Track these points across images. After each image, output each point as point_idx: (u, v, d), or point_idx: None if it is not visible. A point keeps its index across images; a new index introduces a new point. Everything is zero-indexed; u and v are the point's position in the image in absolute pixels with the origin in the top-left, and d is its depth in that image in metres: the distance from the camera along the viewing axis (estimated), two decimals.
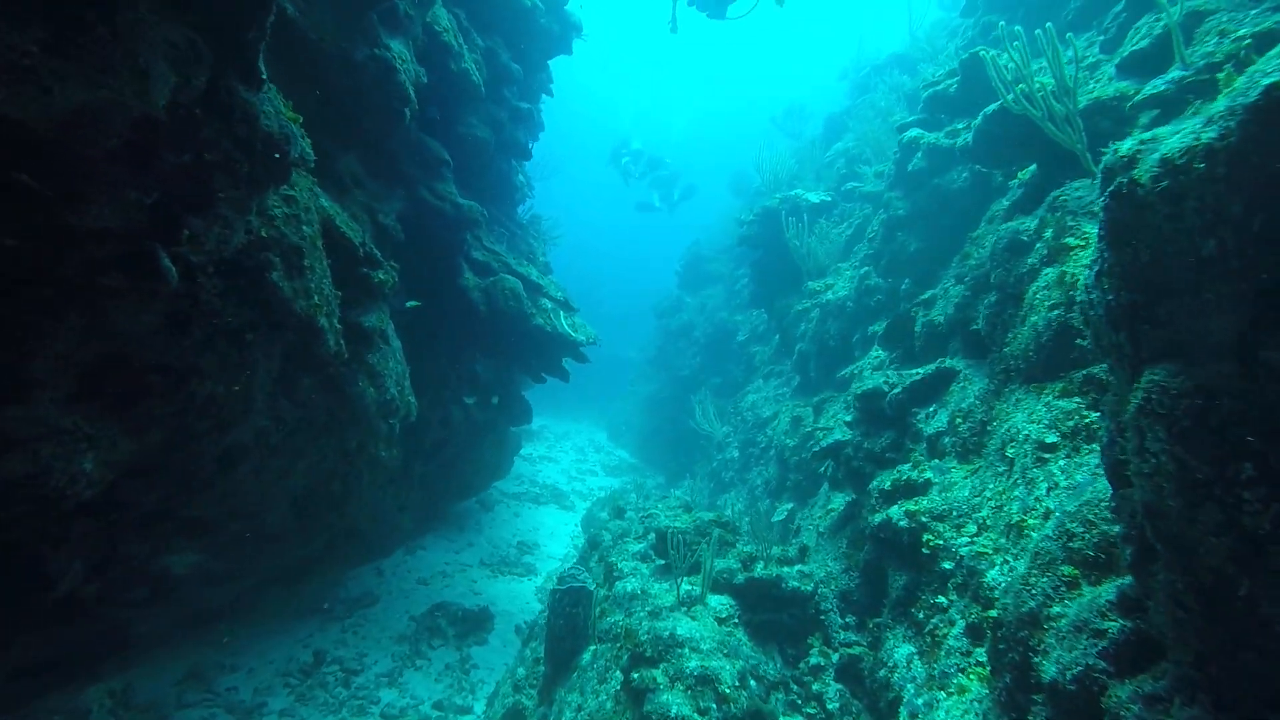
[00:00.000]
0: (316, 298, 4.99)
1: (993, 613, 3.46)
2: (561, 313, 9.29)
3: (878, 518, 5.15)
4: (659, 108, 61.24)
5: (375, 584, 10.01)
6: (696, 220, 26.93)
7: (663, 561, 7.08)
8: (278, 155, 3.67)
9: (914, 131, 7.86)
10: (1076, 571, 2.87)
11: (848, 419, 7.01)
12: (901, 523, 4.86)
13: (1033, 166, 5.86)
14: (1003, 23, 5.18)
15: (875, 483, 6.01)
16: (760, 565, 6.39)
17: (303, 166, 3.95)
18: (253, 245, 4.53)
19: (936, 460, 5.18)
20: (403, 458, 9.66)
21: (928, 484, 4.98)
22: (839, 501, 7.41)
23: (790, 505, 10.60)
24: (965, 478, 4.81)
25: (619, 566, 7.18)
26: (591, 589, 6.50)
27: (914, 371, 6.44)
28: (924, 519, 4.74)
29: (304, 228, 4.92)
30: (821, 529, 6.99)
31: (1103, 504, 2.91)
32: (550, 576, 11.72)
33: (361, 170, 7.38)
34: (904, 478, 5.12)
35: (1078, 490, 3.23)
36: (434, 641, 9.07)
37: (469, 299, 8.63)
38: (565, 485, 17.66)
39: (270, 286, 4.70)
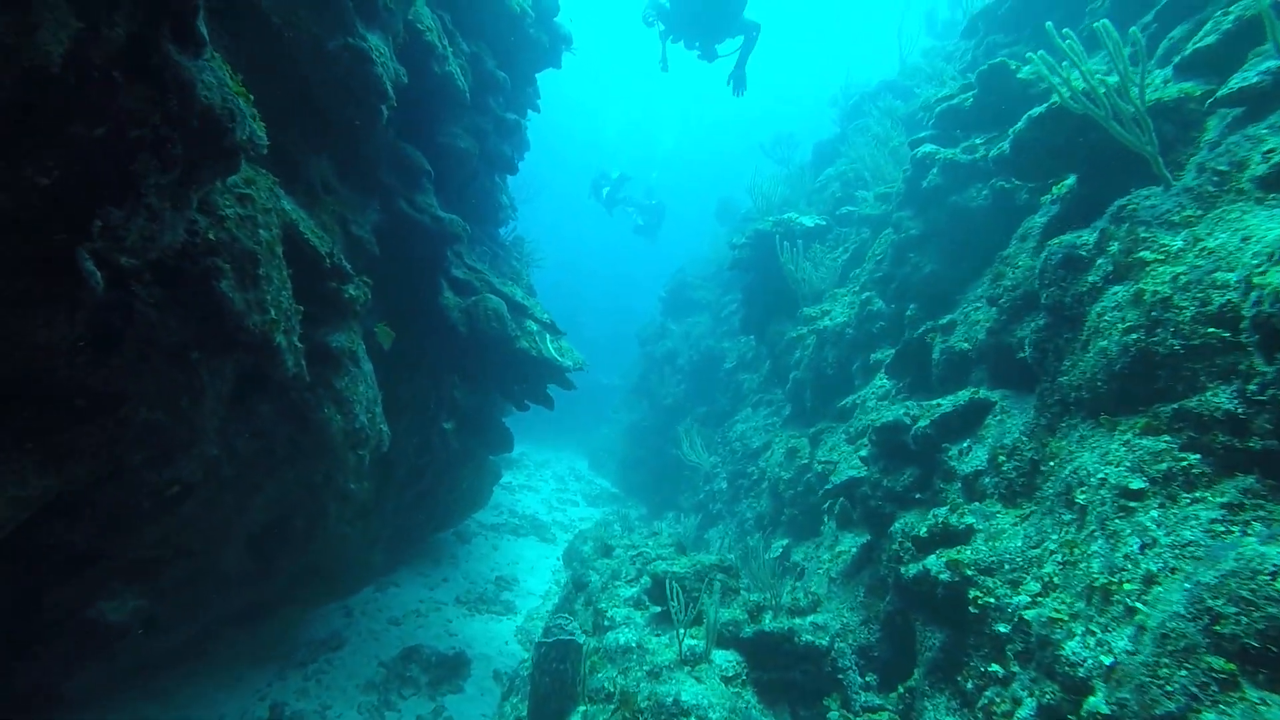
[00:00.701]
0: (274, 312, 4.28)
1: (1097, 703, 2.79)
2: (548, 336, 8.61)
3: (912, 569, 4.48)
4: (645, 125, 60.75)
5: (343, 625, 9.19)
6: (681, 246, 26.43)
7: (659, 609, 6.37)
8: (220, 136, 2.99)
9: (927, 147, 7.30)
10: (1233, 666, 2.22)
11: (863, 454, 6.36)
12: (942, 575, 4.19)
13: (1070, 179, 5.28)
14: (1047, 23, 4.60)
15: (899, 525, 5.35)
16: (769, 616, 5.70)
17: (252, 152, 3.26)
18: (198, 249, 3.83)
19: (977, 503, 4.52)
20: (375, 489, 8.90)
21: (970, 531, 4.32)
22: (849, 543, 6.75)
23: (785, 541, 9.94)
24: (1015, 524, 4.16)
25: (610, 614, 6.45)
26: (581, 642, 5.77)
27: (937, 403, 5.81)
28: (969, 572, 4.08)
29: (261, 232, 4.23)
30: (833, 574, 6.31)
31: (1262, 577, 2.27)
32: (531, 615, 10.93)
33: (334, 177, 6.70)
34: (941, 523, 4.46)
35: (1206, 554, 2.59)
36: (405, 690, 8.26)
37: (449, 319, 7.93)
38: (545, 516, 16.87)
39: (219, 297, 3.99)
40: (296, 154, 6.07)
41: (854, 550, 6.36)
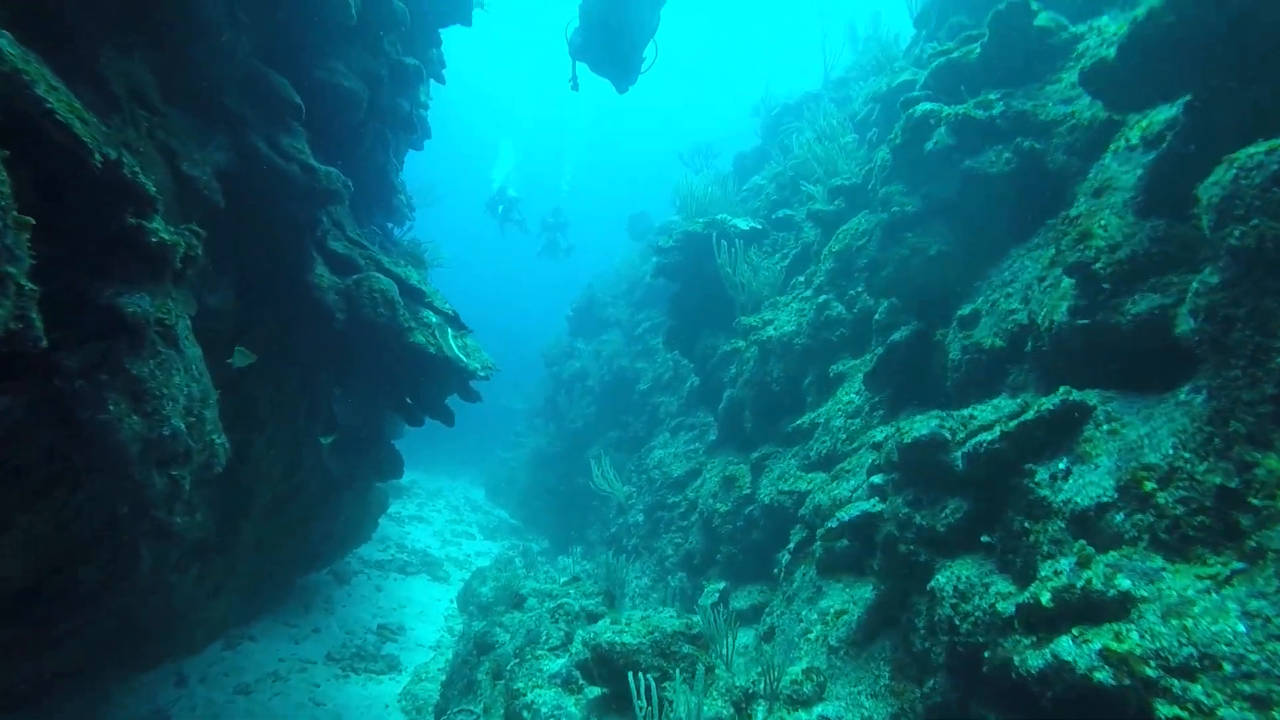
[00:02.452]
0: None
1: None
2: (449, 330, 6.67)
3: (1034, 661, 2.78)
4: (548, 142, 56.99)
5: (170, 698, 6.90)
6: (588, 263, 24.68)
7: (600, 691, 4.51)
8: None
9: (926, 105, 5.79)
10: None
11: (874, 480, 4.71)
12: (1099, 675, 2.50)
13: (1169, 110, 3.82)
14: None
15: (946, 578, 3.70)
16: (762, 709, 3.94)
17: None
18: None
19: (1115, 553, 2.89)
20: (221, 521, 6.72)
21: (1127, 599, 2.67)
22: (840, 598, 5.04)
23: (722, 584, 8.27)
24: (1210, 590, 2.54)
25: (531, 699, 4.55)
26: None
27: (969, 413, 4.22)
28: (1148, 670, 2.42)
29: None
30: (832, 641, 4.59)
31: None
32: (419, 674, 8.82)
33: (155, 91, 4.68)
34: (1079, 587, 2.79)
35: None
36: None
37: (322, 304, 5.92)
38: (438, 551, 14.67)
39: None
40: (85, 43, 4.06)
41: (858, 609, 4.66)
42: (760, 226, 10.79)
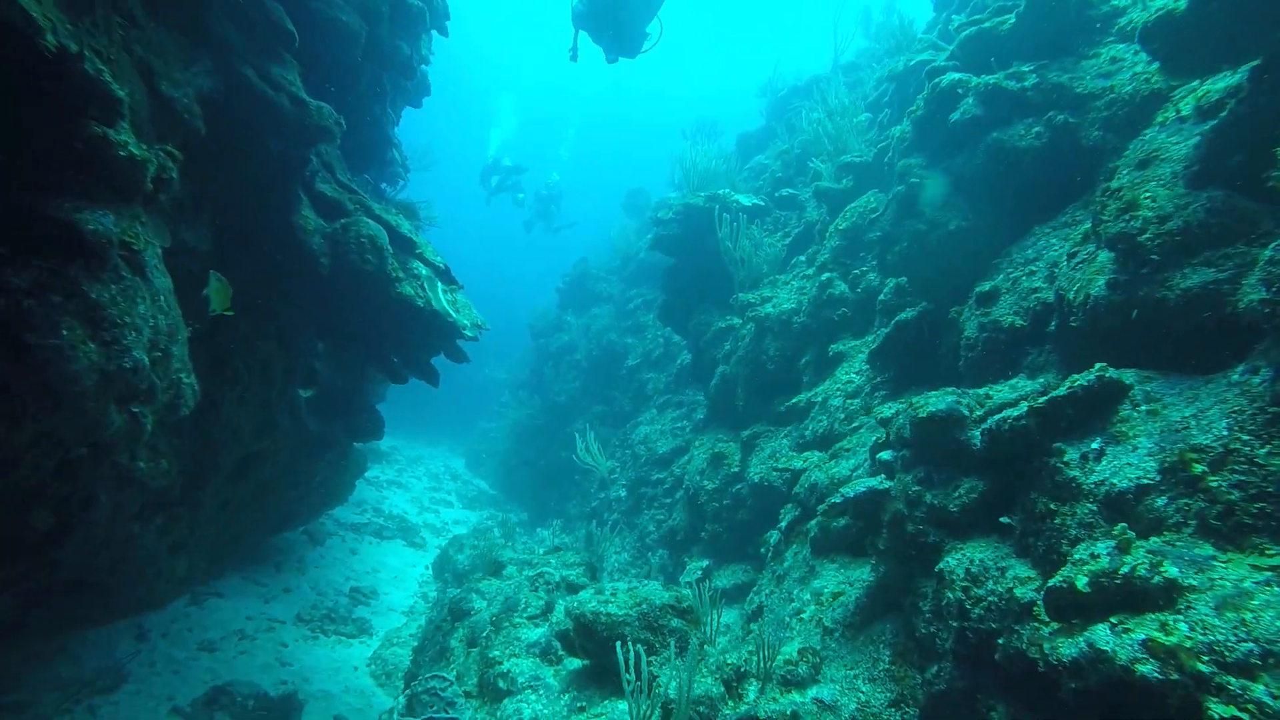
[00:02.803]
0: None
1: None
2: (439, 284, 6.33)
3: (1066, 649, 2.52)
4: (549, 109, 55.67)
5: (129, 652, 6.58)
6: (581, 238, 24.24)
7: (582, 663, 4.24)
8: None
9: (954, 75, 5.50)
10: None
11: (882, 457, 4.44)
12: (1143, 668, 2.25)
13: (1243, 70, 3.52)
14: None
15: (956, 561, 3.46)
16: (754, 689, 3.67)
17: None
18: None
19: (1157, 539, 2.64)
20: (189, 473, 6.38)
21: (1173, 588, 2.41)
22: (834, 578, 4.78)
23: (705, 562, 8.09)
24: (1271, 582, 2.29)
25: (507, 668, 4.27)
26: None
27: (985, 392, 3.98)
28: (1201, 665, 2.17)
29: None
30: (827, 622, 4.33)
31: None
32: (390, 639, 8.54)
33: (138, 3, 4.31)
34: (1117, 571, 2.52)
35: None
36: None
37: (307, 248, 5.56)
38: (415, 517, 14.36)
39: None
40: None
41: (855, 591, 4.40)
42: (763, 204, 10.49)
